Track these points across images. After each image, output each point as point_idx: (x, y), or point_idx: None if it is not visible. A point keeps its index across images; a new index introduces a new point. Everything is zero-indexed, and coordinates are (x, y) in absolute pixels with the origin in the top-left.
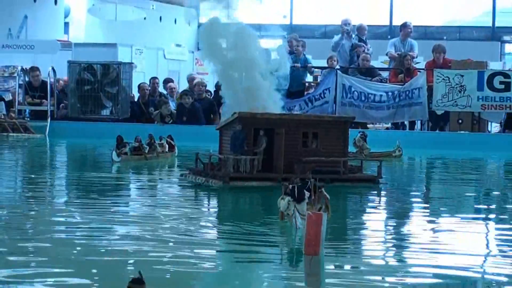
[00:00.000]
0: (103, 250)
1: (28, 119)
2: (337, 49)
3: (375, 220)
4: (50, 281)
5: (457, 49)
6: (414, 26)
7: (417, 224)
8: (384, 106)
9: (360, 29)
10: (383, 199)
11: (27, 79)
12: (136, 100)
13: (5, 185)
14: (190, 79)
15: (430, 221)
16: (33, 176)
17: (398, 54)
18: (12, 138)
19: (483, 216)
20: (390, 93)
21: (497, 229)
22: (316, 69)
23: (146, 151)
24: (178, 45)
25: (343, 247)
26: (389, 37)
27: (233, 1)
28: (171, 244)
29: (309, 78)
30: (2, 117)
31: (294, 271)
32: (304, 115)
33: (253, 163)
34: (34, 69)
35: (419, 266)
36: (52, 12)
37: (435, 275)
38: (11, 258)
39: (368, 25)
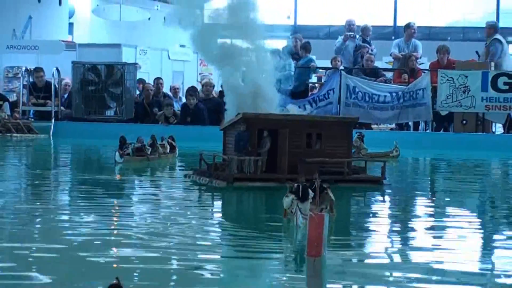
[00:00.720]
0: (104, 252)
1: (32, 119)
2: (339, 53)
3: (378, 222)
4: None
5: (461, 50)
6: (418, 26)
7: (422, 226)
8: (388, 107)
9: (364, 29)
10: (387, 200)
11: (31, 79)
12: (139, 97)
13: (6, 185)
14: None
15: (434, 222)
16: (34, 175)
17: (402, 54)
18: (16, 139)
19: (489, 217)
20: (394, 94)
21: (502, 228)
22: (320, 70)
23: (149, 152)
24: (182, 46)
25: (346, 249)
26: (393, 37)
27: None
28: (173, 245)
29: (313, 79)
30: (6, 117)
31: (296, 273)
32: (308, 116)
33: (257, 163)
34: (38, 69)
35: (425, 269)
36: (57, 13)
37: (441, 280)
38: (11, 259)
39: (372, 26)
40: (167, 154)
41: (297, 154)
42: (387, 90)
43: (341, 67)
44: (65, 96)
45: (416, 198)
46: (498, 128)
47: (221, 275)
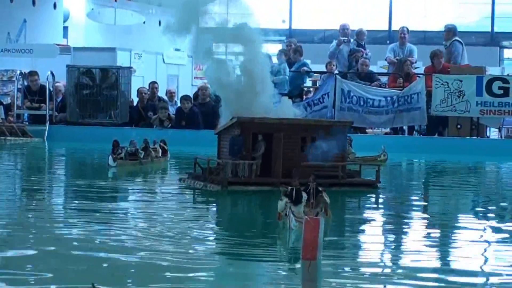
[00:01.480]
0: (98, 256)
1: (27, 123)
2: (333, 57)
3: (373, 226)
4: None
5: None
6: (413, 31)
7: (416, 229)
8: (383, 111)
9: (359, 34)
10: (382, 204)
11: (25, 83)
12: (135, 105)
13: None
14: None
15: (429, 226)
16: (28, 179)
17: (397, 59)
18: (10, 142)
19: (483, 220)
20: (389, 98)
21: (496, 231)
22: (315, 74)
23: (142, 156)
24: (177, 50)
25: (341, 252)
26: (388, 42)
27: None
28: (167, 250)
29: (308, 83)
30: (1, 121)
31: (291, 276)
32: (303, 120)
33: (252, 167)
34: (32, 73)
35: (419, 272)
36: (51, 16)
37: (436, 280)
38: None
39: (367, 30)
40: (159, 158)
41: (292, 158)
42: (382, 95)
43: (336, 72)
44: (58, 100)
45: (410, 202)
46: (493, 133)
47: (216, 279)
